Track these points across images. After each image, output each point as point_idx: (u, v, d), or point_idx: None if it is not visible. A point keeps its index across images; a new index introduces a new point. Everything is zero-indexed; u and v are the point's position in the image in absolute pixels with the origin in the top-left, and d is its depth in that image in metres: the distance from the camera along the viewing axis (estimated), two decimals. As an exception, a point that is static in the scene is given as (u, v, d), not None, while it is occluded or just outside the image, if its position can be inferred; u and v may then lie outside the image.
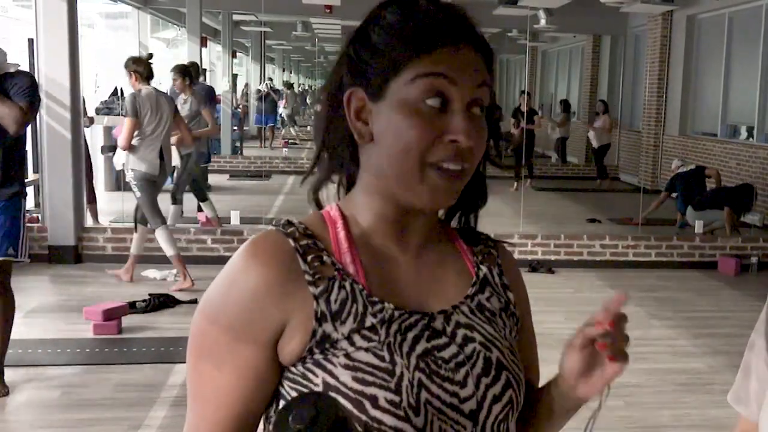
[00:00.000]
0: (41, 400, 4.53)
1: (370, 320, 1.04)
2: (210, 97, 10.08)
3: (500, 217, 9.55)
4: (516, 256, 1.30)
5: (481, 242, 1.22)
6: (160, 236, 6.72)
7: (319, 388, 1.01)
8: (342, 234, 1.09)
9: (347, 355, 1.01)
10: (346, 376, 1.00)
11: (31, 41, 8.18)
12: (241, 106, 17.46)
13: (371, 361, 1.01)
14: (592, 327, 1.04)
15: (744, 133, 12.47)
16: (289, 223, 1.09)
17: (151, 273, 7.25)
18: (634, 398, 4.76)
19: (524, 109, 13.17)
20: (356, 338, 1.02)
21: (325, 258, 1.06)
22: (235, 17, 15.89)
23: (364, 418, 0.98)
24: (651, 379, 5.14)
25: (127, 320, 5.85)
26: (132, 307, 6.10)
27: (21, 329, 5.79)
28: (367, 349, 1.02)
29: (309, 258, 1.05)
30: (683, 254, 8.51)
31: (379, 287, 1.07)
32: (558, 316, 6.14)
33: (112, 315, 5.69)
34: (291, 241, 1.06)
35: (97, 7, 15.46)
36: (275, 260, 1.04)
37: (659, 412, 4.65)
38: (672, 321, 6.48)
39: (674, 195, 10.14)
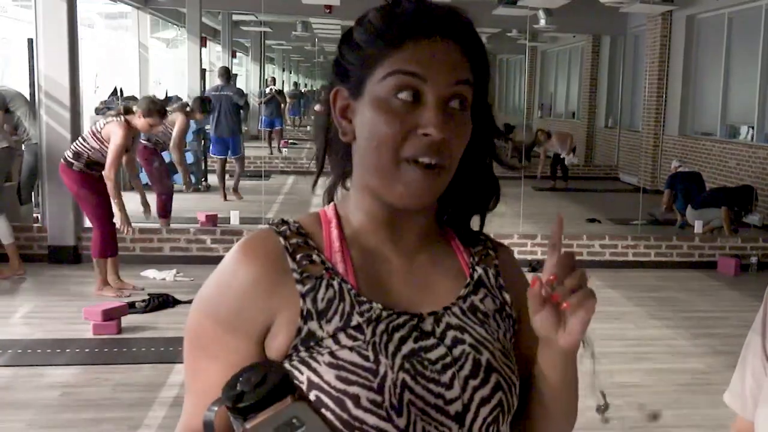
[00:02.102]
0: (41, 400, 4.52)
1: (356, 319, 1.04)
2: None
3: (500, 217, 9.52)
4: (516, 256, 1.28)
5: (480, 243, 1.21)
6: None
7: (304, 386, 1.01)
8: (335, 233, 1.10)
9: (332, 354, 1.02)
10: (329, 375, 1.00)
11: (30, 41, 8.16)
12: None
13: (355, 360, 1.01)
14: (537, 287, 1.02)
15: (745, 134, 12.42)
16: (283, 222, 1.11)
17: (151, 273, 7.25)
18: (633, 398, 4.76)
19: None
20: (341, 337, 1.03)
21: (314, 257, 1.07)
22: (235, 17, 15.85)
23: (345, 416, 0.99)
24: (650, 379, 5.14)
25: (127, 320, 5.84)
26: (132, 307, 6.10)
27: (20, 329, 5.81)
28: (351, 348, 1.02)
29: (298, 256, 1.06)
30: (683, 254, 8.50)
31: (369, 287, 1.08)
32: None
33: (111, 315, 5.68)
34: (281, 240, 1.07)
35: (97, 7, 15.44)
36: (264, 258, 1.05)
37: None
38: (671, 321, 6.47)
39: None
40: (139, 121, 6.40)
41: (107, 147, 6.25)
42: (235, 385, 0.84)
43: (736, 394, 1.33)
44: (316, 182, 1.21)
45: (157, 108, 6.51)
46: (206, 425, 0.84)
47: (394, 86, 1.02)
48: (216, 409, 0.84)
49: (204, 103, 9.01)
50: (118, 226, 6.48)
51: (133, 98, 11.99)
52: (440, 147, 1.02)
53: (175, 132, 8.63)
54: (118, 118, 6.32)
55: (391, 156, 1.02)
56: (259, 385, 0.83)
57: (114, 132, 6.21)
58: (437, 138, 1.01)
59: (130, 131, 6.38)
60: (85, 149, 6.35)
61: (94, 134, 6.35)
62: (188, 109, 8.88)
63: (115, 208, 6.44)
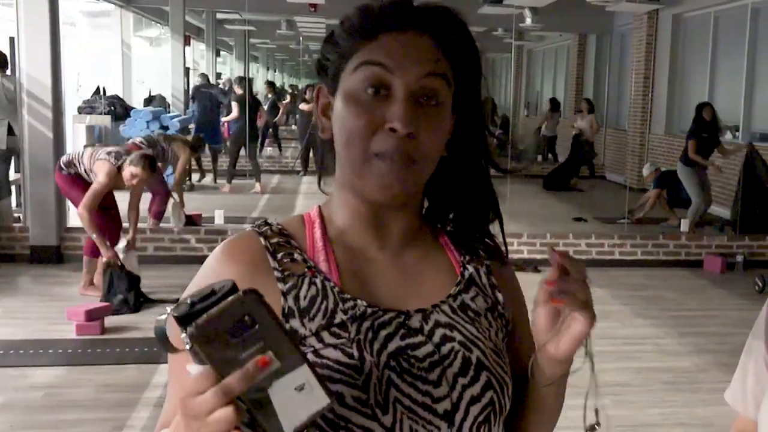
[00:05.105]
0: (23, 401, 4.49)
1: (340, 317, 1.03)
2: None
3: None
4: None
5: (474, 243, 1.20)
6: None
7: None
8: (318, 233, 1.11)
9: (315, 352, 1.00)
10: None
11: (12, 40, 8.12)
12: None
13: (339, 358, 1.00)
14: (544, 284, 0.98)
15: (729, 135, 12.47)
16: (265, 223, 1.11)
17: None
18: (621, 397, 4.76)
19: None
20: (325, 335, 1.01)
21: (296, 255, 1.07)
22: (219, 16, 15.82)
23: (330, 415, 0.97)
24: (638, 377, 5.14)
25: (110, 321, 5.80)
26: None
27: (3, 330, 5.75)
28: (335, 346, 1.01)
29: (279, 255, 1.06)
30: (669, 253, 8.52)
31: (354, 285, 1.07)
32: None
33: (94, 315, 5.65)
34: (262, 240, 1.08)
35: (79, 6, 15.38)
36: (245, 257, 1.06)
37: (646, 410, 4.65)
38: (658, 320, 6.48)
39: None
40: (126, 169, 6.18)
41: (91, 175, 6.24)
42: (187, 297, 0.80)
43: (738, 395, 1.36)
44: (320, 180, 1.19)
45: (148, 162, 6.29)
46: (158, 334, 0.79)
47: (364, 78, 1.02)
48: (164, 317, 0.80)
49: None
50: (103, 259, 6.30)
51: (116, 97, 11.95)
52: (409, 142, 1.01)
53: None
54: (112, 160, 6.14)
55: (361, 150, 1.02)
56: (209, 296, 0.78)
57: (100, 172, 6.10)
58: (403, 132, 1.00)
59: (114, 178, 6.15)
60: (78, 163, 6.35)
61: (90, 157, 6.28)
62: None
63: (98, 243, 6.19)
